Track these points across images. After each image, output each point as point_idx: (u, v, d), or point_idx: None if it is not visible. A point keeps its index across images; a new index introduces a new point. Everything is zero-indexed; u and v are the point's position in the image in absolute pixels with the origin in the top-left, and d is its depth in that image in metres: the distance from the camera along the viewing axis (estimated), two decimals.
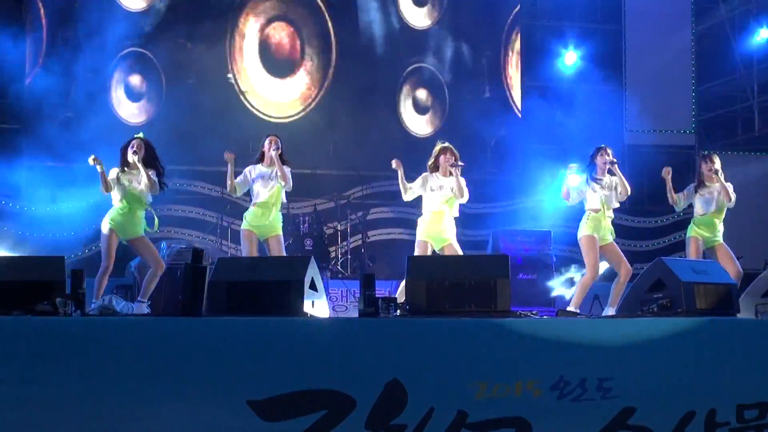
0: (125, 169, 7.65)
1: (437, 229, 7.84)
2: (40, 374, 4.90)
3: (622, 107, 14.34)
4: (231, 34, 13.19)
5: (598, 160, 8.03)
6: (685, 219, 14.01)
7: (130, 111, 12.69)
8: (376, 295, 5.97)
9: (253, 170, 7.98)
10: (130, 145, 7.66)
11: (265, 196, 7.82)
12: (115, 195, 7.66)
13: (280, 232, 7.93)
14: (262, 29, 13.34)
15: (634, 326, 5.58)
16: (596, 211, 7.92)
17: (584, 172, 8.06)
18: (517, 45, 14.27)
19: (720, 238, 8.22)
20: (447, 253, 7.83)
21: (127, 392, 4.92)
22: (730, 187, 8.25)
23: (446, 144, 8.12)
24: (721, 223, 8.27)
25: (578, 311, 7.79)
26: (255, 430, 4.97)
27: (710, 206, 8.23)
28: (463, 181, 7.91)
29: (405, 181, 8.05)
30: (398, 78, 13.72)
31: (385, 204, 13.22)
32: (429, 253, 7.86)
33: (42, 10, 12.47)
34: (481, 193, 13.86)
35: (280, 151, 7.90)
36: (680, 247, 13.79)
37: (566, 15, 14.60)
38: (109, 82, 12.67)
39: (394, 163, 7.98)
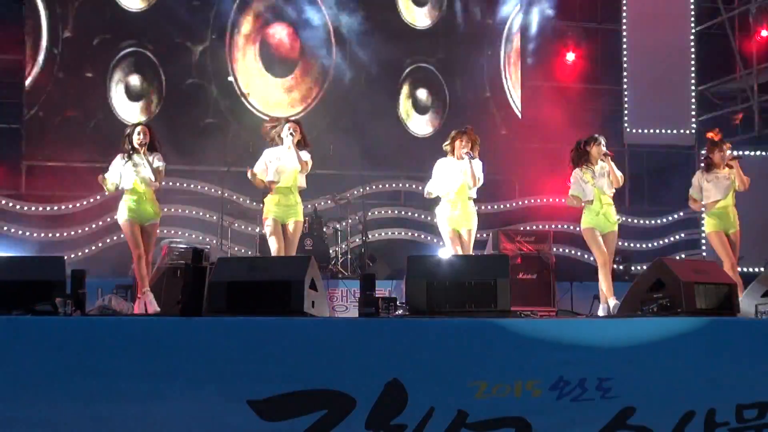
0: (131, 155, 7.68)
1: (455, 216, 7.93)
2: (40, 374, 4.90)
3: (622, 107, 14.34)
4: (231, 33, 13.19)
5: (593, 150, 8.09)
6: (686, 218, 14.10)
7: (129, 111, 12.68)
8: (376, 295, 5.98)
9: (270, 153, 7.94)
10: (136, 132, 7.70)
11: (283, 181, 7.80)
12: (126, 183, 7.68)
13: (301, 218, 7.88)
14: (263, 29, 13.34)
15: (634, 326, 5.58)
16: (590, 202, 7.99)
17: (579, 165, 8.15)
18: (518, 44, 14.26)
19: (735, 226, 8.29)
20: (464, 238, 7.95)
21: (128, 392, 4.92)
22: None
23: (463, 129, 8.18)
24: (734, 209, 8.32)
25: (615, 299, 7.74)
26: (255, 430, 4.98)
27: (724, 191, 8.27)
28: (477, 165, 8.01)
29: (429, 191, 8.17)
30: (398, 78, 13.72)
31: (385, 204, 13.22)
32: (458, 242, 7.95)
33: (42, 10, 12.46)
34: (482, 193, 13.83)
35: (299, 137, 7.83)
36: (680, 247, 13.82)
37: (566, 15, 14.59)
38: (109, 81, 12.66)
39: None
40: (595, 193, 7.99)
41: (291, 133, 7.76)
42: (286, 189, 7.79)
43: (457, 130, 8.18)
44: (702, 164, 8.64)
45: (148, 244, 7.74)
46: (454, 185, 8.00)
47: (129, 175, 7.68)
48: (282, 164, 7.80)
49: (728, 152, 8.37)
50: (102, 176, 7.82)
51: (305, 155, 7.82)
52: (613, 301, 7.73)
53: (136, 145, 7.67)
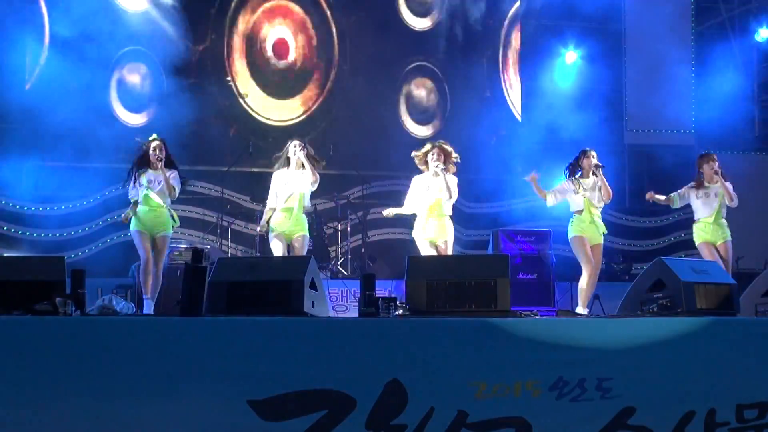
0: (146, 169, 7.67)
1: (431, 229, 7.82)
2: (40, 374, 4.90)
3: (622, 107, 14.34)
4: (231, 34, 13.18)
5: (584, 162, 8.13)
6: (686, 219, 14.07)
7: (129, 111, 12.68)
8: (376, 295, 5.98)
9: (278, 178, 7.93)
10: (152, 148, 7.67)
11: (288, 200, 7.82)
12: (140, 196, 7.67)
13: (305, 233, 7.89)
14: (263, 29, 13.33)
15: (634, 326, 5.58)
16: (579, 212, 8.01)
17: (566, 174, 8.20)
18: (517, 45, 14.26)
19: (724, 237, 8.26)
20: (441, 248, 7.84)
21: (127, 392, 4.92)
22: (730, 186, 8.28)
23: (435, 143, 8.06)
24: (721, 222, 8.31)
25: (588, 311, 7.83)
26: (255, 430, 4.98)
27: (711, 208, 8.27)
28: (452, 180, 7.87)
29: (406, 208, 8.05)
30: (398, 78, 13.72)
31: (385, 204, 13.17)
32: (435, 253, 7.82)
33: (44, 9, 12.46)
34: (481, 193, 13.86)
35: (306, 152, 7.86)
36: (680, 247, 13.81)
37: (566, 15, 14.59)
38: (109, 82, 12.66)
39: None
40: (585, 203, 8.01)
41: (301, 149, 7.81)
42: (289, 208, 7.80)
43: (429, 144, 8.04)
44: (694, 181, 8.53)
45: (158, 256, 7.69)
46: (429, 201, 7.88)
47: (144, 189, 7.67)
48: (288, 187, 7.80)
49: (716, 165, 8.34)
50: (126, 217, 7.80)
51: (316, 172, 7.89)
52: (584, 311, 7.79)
53: (154, 161, 7.66)
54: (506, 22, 14.23)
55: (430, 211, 7.85)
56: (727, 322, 5.83)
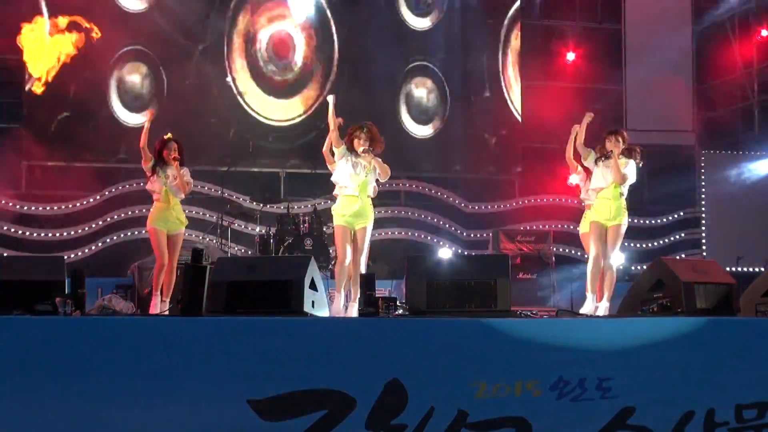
0: (162, 165, 7.72)
1: (352, 212, 7.42)
2: (40, 374, 4.91)
3: (622, 107, 14.34)
4: (231, 33, 13.18)
5: (607, 144, 7.97)
6: (686, 218, 14.10)
7: (129, 111, 12.68)
8: (376, 295, 5.99)
9: (347, 155, 7.63)
10: (167, 147, 7.73)
11: (354, 186, 7.51)
12: (154, 192, 7.72)
13: (368, 224, 7.44)
14: (263, 29, 13.33)
15: (634, 326, 5.59)
16: (600, 189, 7.80)
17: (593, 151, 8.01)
18: (517, 44, 14.26)
19: (613, 220, 7.76)
20: (359, 237, 7.36)
21: (128, 392, 4.93)
22: (630, 169, 8.00)
23: (360, 124, 7.67)
24: (617, 201, 7.81)
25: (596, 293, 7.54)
26: (255, 430, 4.98)
27: (605, 181, 7.97)
28: (379, 160, 7.53)
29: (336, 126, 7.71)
30: (398, 78, 13.72)
31: (385, 204, 13.22)
32: (349, 240, 7.37)
33: (43, 9, 12.45)
34: (481, 193, 13.86)
35: (368, 144, 7.55)
36: (680, 246, 13.81)
37: (566, 15, 14.59)
38: (109, 81, 12.66)
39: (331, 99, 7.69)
40: (608, 182, 7.80)
41: (366, 140, 7.54)
42: (354, 195, 7.48)
43: (355, 126, 7.67)
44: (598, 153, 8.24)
45: (174, 252, 7.74)
46: (355, 182, 7.50)
47: (159, 185, 7.71)
48: (355, 169, 7.53)
49: (617, 145, 8.05)
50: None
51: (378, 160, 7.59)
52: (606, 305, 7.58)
53: (169, 160, 7.72)
54: (506, 22, 14.23)
55: (352, 193, 7.45)
56: (727, 322, 5.83)
